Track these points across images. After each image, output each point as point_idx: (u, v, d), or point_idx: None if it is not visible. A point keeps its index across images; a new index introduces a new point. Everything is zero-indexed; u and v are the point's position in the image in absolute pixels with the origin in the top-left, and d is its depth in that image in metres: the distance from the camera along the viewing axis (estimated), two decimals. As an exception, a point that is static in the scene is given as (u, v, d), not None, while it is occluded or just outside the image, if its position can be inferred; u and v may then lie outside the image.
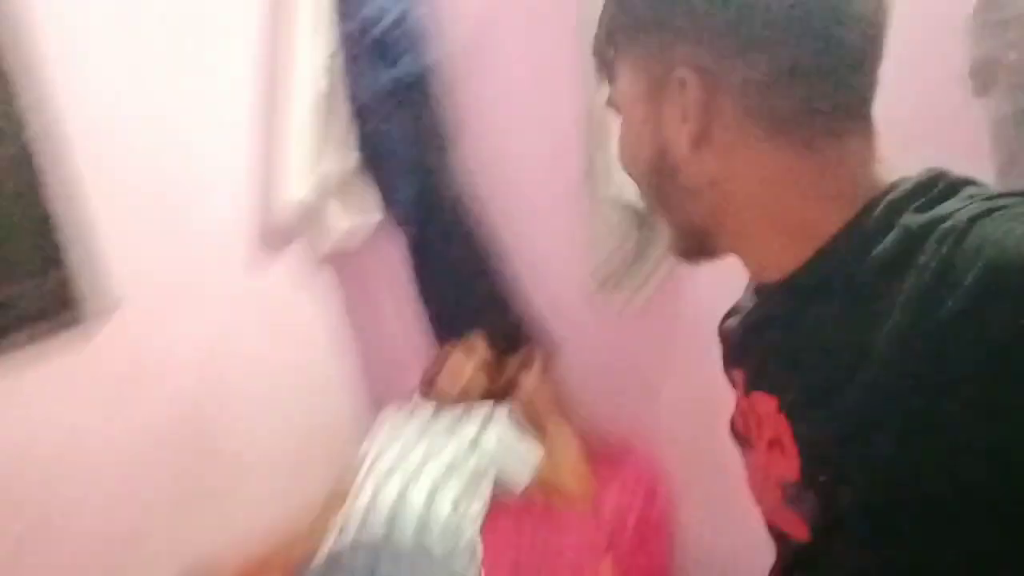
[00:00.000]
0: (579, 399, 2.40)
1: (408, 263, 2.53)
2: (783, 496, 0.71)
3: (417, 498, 1.98)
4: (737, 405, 0.83)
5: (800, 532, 0.71)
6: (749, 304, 0.80)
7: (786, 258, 0.68)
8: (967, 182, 0.63)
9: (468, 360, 2.37)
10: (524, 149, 2.28)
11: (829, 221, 0.66)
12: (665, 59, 0.68)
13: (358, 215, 2.55)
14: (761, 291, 0.77)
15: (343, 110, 2.40)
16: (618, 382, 2.34)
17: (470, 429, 2.20)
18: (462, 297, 2.49)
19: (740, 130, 0.66)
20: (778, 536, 0.77)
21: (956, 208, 0.58)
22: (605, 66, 0.77)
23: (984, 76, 1.48)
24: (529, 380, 2.27)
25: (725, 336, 0.87)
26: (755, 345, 0.78)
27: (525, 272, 2.44)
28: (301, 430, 2.58)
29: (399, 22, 2.24)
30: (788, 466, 0.69)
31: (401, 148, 2.38)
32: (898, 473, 0.58)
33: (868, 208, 0.64)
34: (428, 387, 2.46)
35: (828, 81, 0.65)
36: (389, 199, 2.51)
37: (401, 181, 2.43)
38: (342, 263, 2.71)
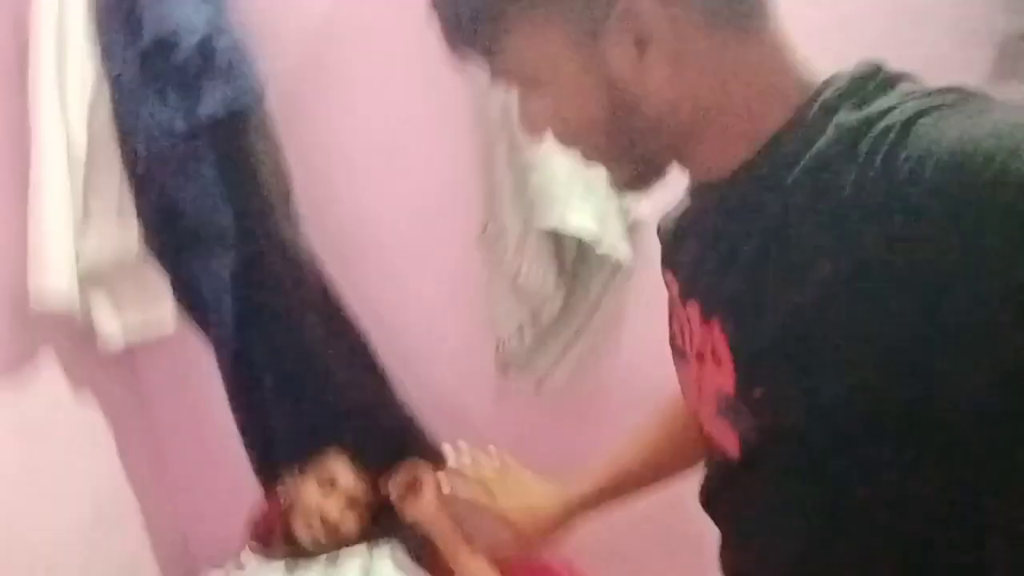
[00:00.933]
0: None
1: (222, 368, 1.87)
2: (717, 408, 0.70)
3: None
4: (673, 315, 0.82)
5: (732, 448, 0.70)
6: (686, 203, 0.82)
7: (728, 157, 0.68)
8: (902, 77, 0.63)
9: (328, 493, 1.75)
10: (391, 203, 1.77)
11: (771, 117, 0.65)
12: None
13: (138, 310, 1.86)
14: (698, 190, 0.77)
15: (114, 167, 1.73)
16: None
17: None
18: (308, 404, 1.87)
19: (698, 33, 0.64)
20: (712, 451, 0.75)
21: (891, 105, 0.58)
22: (467, 36, 0.70)
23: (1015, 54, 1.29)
24: (420, 505, 1.68)
25: (662, 236, 0.88)
26: (688, 247, 0.78)
27: (401, 361, 1.89)
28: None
29: (204, 44, 1.64)
30: (724, 379, 0.67)
31: (205, 213, 1.75)
32: (839, 395, 0.57)
33: (805, 106, 0.64)
34: (266, 539, 1.81)
35: None
36: (186, 285, 1.85)
37: (205, 259, 1.80)
38: (120, 375, 2.00)
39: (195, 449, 2.10)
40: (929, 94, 0.58)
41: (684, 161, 0.73)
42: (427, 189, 1.67)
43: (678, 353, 0.82)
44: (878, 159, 0.55)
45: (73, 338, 1.82)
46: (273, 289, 1.79)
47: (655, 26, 0.63)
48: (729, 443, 0.71)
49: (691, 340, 0.75)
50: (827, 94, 0.63)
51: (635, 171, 0.75)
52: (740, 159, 0.68)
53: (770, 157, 0.65)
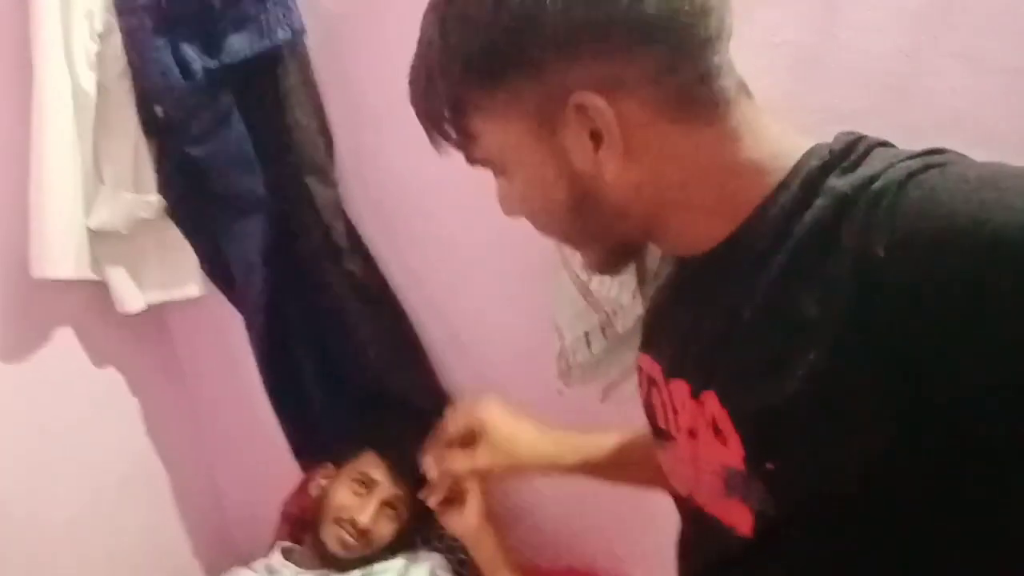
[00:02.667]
0: (544, 537, 1.66)
1: (253, 343, 1.68)
2: (725, 486, 0.68)
3: None
4: (650, 399, 0.82)
5: (744, 524, 0.67)
6: (669, 278, 0.83)
7: (709, 233, 0.68)
8: (881, 143, 0.64)
9: (364, 493, 1.56)
10: (448, 170, 1.50)
11: (752, 191, 0.66)
12: (548, 94, 0.65)
13: (160, 273, 1.67)
14: (681, 264, 0.78)
15: (129, 127, 1.51)
16: (601, 507, 1.60)
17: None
18: (344, 399, 1.67)
19: (651, 127, 0.65)
20: (715, 531, 0.71)
21: (882, 168, 0.58)
22: (442, 126, 0.72)
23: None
24: (462, 519, 1.48)
25: (646, 321, 0.90)
26: (668, 327, 0.79)
27: (450, 348, 1.68)
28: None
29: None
30: (730, 454, 0.65)
31: (232, 174, 1.53)
32: (854, 459, 0.57)
33: (790, 176, 0.64)
34: (299, 536, 1.64)
35: (703, 51, 0.64)
36: (213, 252, 1.65)
37: (232, 225, 1.58)
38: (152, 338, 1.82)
39: (232, 416, 1.94)
40: (913, 157, 0.59)
41: (658, 241, 0.75)
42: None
43: (659, 434, 0.81)
44: (877, 220, 0.55)
45: (95, 300, 1.65)
46: (308, 259, 1.58)
47: (604, 122, 0.64)
48: (740, 521, 0.68)
49: (675, 419, 0.75)
50: (811, 164, 0.64)
51: (608, 255, 0.77)
52: (721, 234, 0.68)
53: (756, 228, 0.65)
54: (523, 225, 1.40)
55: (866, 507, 0.59)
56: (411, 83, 0.73)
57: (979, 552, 0.59)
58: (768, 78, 1.18)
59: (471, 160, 0.74)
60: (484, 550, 1.44)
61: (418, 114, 0.74)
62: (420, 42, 0.71)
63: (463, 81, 0.68)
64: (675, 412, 0.75)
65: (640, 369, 0.87)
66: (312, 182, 1.51)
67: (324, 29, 1.49)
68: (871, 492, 0.58)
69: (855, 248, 0.56)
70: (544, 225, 0.75)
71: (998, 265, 0.50)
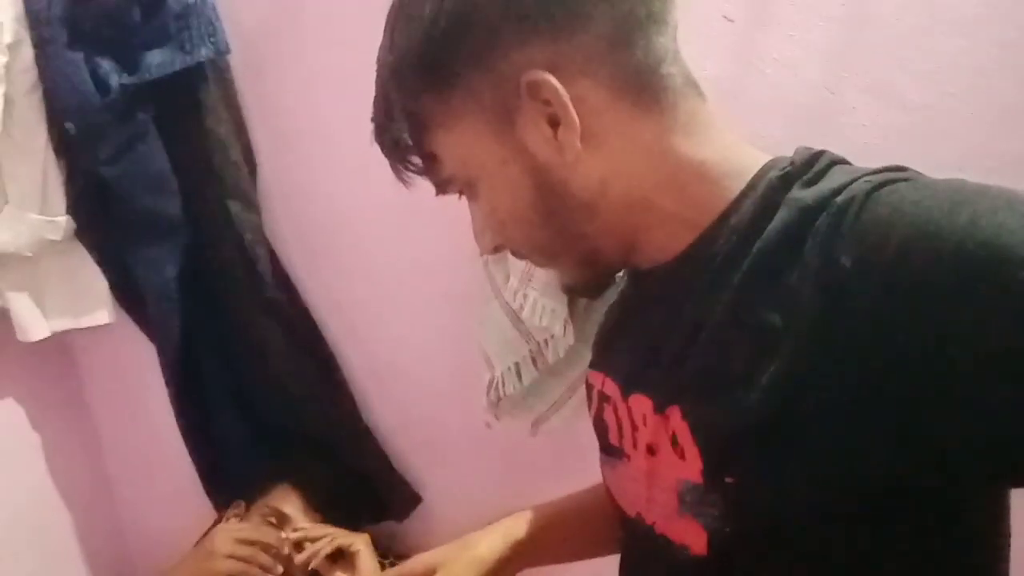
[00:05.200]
0: None
1: (165, 372, 1.59)
2: (679, 503, 0.67)
3: None
4: (602, 415, 0.80)
5: (697, 543, 0.66)
6: (627, 292, 0.83)
7: (672, 242, 0.68)
8: (841, 161, 0.65)
9: (275, 534, 1.47)
10: (375, 195, 1.45)
11: (713, 199, 0.66)
12: (500, 83, 0.65)
13: (69, 315, 1.58)
14: (635, 281, 0.79)
15: (37, 144, 1.43)
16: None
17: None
18: (259, 433, 1.60)
19: (607, 112, 0.65)
20: (665, 552, 0.69)
21: (845, 181, 0.59)
22: (406, 154, 0.72)
23: None
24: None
25: (599, 337, 0.88)
26: (626, 342, 0.78)
27: (373, 381, 1.62)
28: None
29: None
30: (688, 469, 0.65)
31: (146, 196, 1.46)
32: (815, 472, 0.56)
33: (749, 187, 0.64)
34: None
35: (646, 29, 0.64)
36: (124, 277, 1.56)
37: (146, 249, 1.51)
38: (54, 368, 1.72)
39: (139, 451, 1.84)
40: (875, 172, 0.59)
41: (628, 253, 0.73)
42: (423, 183, 1.37)
43: (610, 451, 0.80)
44: (842, 231, 0.55)
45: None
46: (225, 288, 1.52)
47: (558, 101, 0.64)
48: (693, 539, 0.66)
49: (635, 435, 0.73)
50: (772, 175, 0.64)
51: (583, 270, 0.75)
52: (682, 244, 0.68)
53: (718, 239, 0.65)
54: (450, 254, 1.39)
55: (823, 524, 0.58)
56: (373, 119, 0.73)
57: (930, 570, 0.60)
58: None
59: (440, 186, 0.73)
60: None
61: (382, 149, 0.73)
62: (377, 61, 0.71)
63: (415, 87, 0.67)
64: (634, 428, 0.73)
65: (590, 386, 0.86)
66: (234, 206, 1.45)
67: (247, 48, 1.45)
68: (829, 509, 0.57)
69: (819, 260, 0.56)
70: (516, 238, 0.73)
71: (970, 274, 0.49)
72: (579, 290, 0.79)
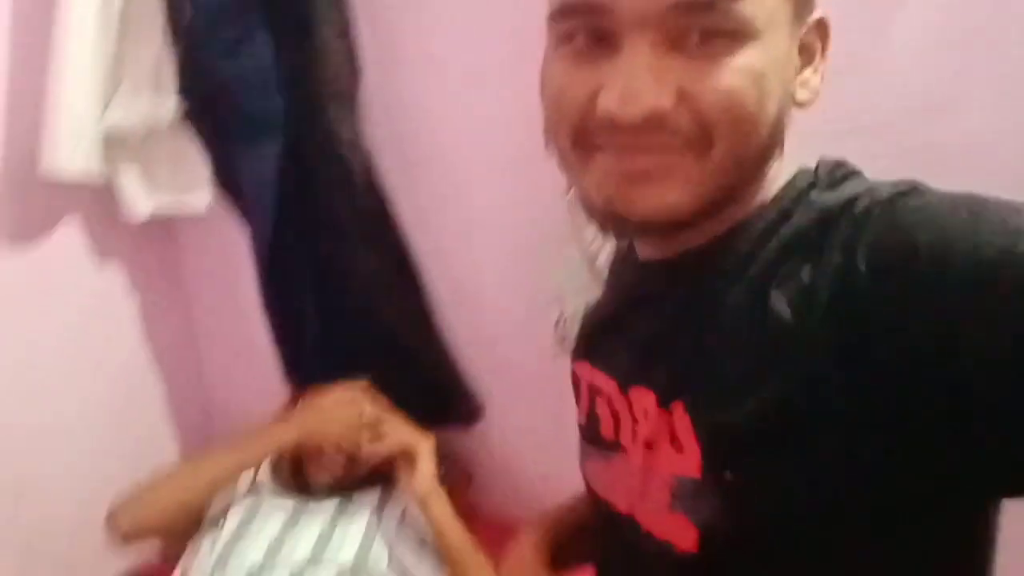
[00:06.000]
0: (521, 491, 1.67)
1: (257, 263, 1.67)
2: (671, 498, 0.65)
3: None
4: (593, 409, 0.78)
5: (687, 540, 0.64)
6: (626, 284, 0.80)
7: (693, 234, 0.65)
8: (859, 172, 0.64)
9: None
10: (474, 123, 1.47)
11: (745, 199, 0.64)
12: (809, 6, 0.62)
13: (169, 185, 1.66)
14: (644, 270, 0.74)
15: (154, 30, 1.48)
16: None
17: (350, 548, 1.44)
18: (339, 330, 1.67)
19: None
20: (649, 550, 0.68)
21: (863, 189, 0.59)
22: None
23: None
24: (414, 483, 1.47)
25: (589, 329, 0.85)
26: (631, 333, 0.74)
27: (451, 299, 1.66)
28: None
29: None
30: (686, 464, 0.63)
31: (253, 95, 1.50)
32: (817, 473, 0.56)
33: (782, 192, 0.64)
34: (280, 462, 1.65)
35: None
36: (226, 169, 1.62)
37: (248, 145, 1.55)
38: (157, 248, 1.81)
39: (228, 331, 1.95)
40: (895, 183, 0.58)
41: (715, 213, 0.64)
42: (521, 118, 1.36)
43: (602, 445, 0.77)
44: (862, 235, 0.55)
45: (103, 203, 1.64)
46: (320, 192, 1.56)
47: (823, 52, 0.66)
48: (680, 537, 0.65)
49: (634, 429, 0.71)
50: (799, 182, 0.64)
51: (694, 199, 0.64)
52: (702, 238, 0.65)
53: (738, 236, 0.64)
54: (538, 191, 1.39)
55: (819, 527, 0.58)
56: None
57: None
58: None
59: (726, 6, 0.57)
60: (434, 510, 1.45)
61: None
62: None
63: None
64: (634, 422, 0.71)
65: (577, 378, 0.84)
66: (334, 112, 1.48)
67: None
68: (827, 511, 0.57)
69: (838, 261, 0.55)
70: (738, 119, 0.59)
71: (987, 279, 0.48)
72: (662, 224, 0.63)
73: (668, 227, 0.62)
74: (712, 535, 0.63)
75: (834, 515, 0.57)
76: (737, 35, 0.57)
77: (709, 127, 0.57)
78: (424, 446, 1.50)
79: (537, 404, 1.61)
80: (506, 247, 1.55)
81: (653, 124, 0.57)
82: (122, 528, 1.41)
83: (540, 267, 1.47)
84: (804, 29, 0.62)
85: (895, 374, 0.52)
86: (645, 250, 0.73)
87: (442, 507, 1.45)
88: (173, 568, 1.51)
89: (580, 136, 0.61)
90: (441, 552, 1.45)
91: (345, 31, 1.47)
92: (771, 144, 0.62)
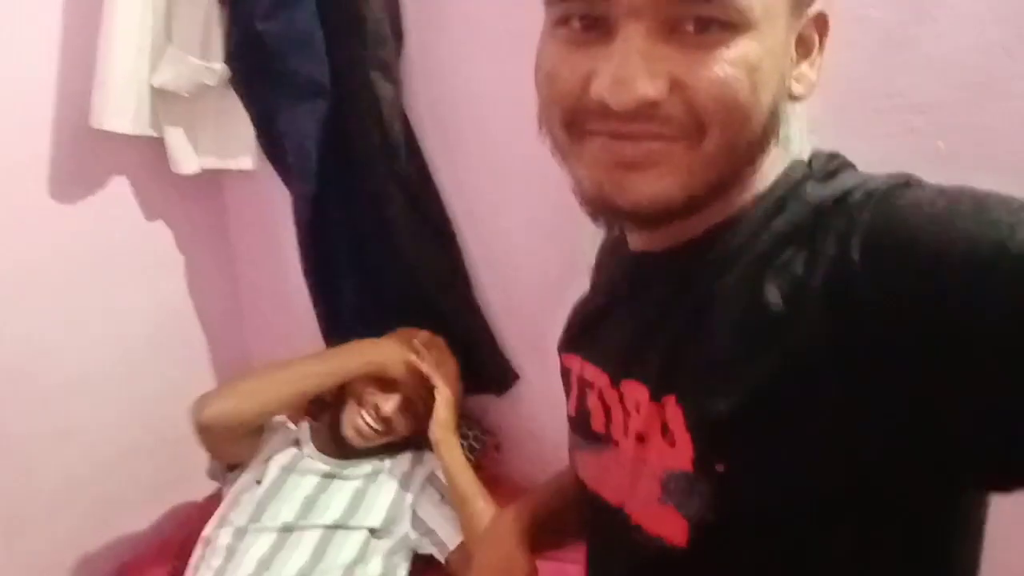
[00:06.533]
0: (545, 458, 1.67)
1: (297, 222, 1.70)
2: (662, 491, 0.65)
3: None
4: (584, 402, 0.77)
5: (677, 533, 0.64)
6: (616, 276, 0.79)
7: (689, 226, 0.64)
8: (852, 165, 0.64)
9: (386, 387, 1.58)
10: (515, 91, 1.44)
11: (750, 190, 0.64)
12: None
13: (217, 155, 1.70)
14: (636, 262, 0.73)
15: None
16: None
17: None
18: (376, 293, 1.70)
19: None
20: (638, 543, 0.68)
21: (858, 183, 0.58)
22: None
23: None
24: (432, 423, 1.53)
25: (578, 321, 0.84)
26: (623, 325, 0.73)
27: (486, 264, 1.68)
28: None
29: None
30: (678, 456, 0.63)
31: (297, 57, 1.52)
32: (807, 462, 0.56)
33: (775, 185, 0.64)
34: (316, 411, 1.68)
35: None
36: (269, 128, 1.65)
37: (292, 106, 1.57)
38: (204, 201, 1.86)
39: (270, 287, 1.99)
40: (889, 176, 0.58)
41: (701, 208, 0.63)
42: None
43: (592, 438, 0.76)
44: (857, 226, 0.54)
45: (152, 157, 1.68)
46: (361, 153, 1.58)
47: (821, 46, 0.65)
48: (670, 530, 0.65)
49: (626, 422, 0.70)
50: (791, 177, 0.64)
51: (685, 191, 0.63)
52: (695, 231, 0.65)
53: (731, 229, 0.63)
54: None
55: (808, 519, 0.58)
56: None
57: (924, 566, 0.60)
58: (848, 53, 1.12)
59: (719, 0, 0.56)
60: (445, 457, 1.50)
61: None
62: None
63: None
64: (626, 415, 0.71)
65: (567, 370, 0.83)
66: (376, 77, 1.49)
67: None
68: (817, 502, 0.57)
69: (830, 253, 0.55)
70: (731, 110, 0.58)
71: (983, 264, 0.48)
72: (653, 212, 0.61)
73: (659, 216, 0.61)
74: (702, 528, 0.63)
75: (824, 505, 0.57)
76: (733, 25, 0.56)
77: (702, 117, 0.57)
78: (443, 394, 1.54)
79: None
80: (542, 216, 1.55)
81: (645, 112, 0.56)
82: (204, 413, 1.45)
83: (575, 236, 1.47)
84: (803, 22, 0.62)
85: (887, 362, 0.51)
86: (637, 241, 0.72)
87: (454, 454, 1.50)
88: (161, 563, 1.60)
89: (572, 121, 0.61)
90: (451, 498, 1.49)
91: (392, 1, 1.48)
92: (764, 136, 0.61)
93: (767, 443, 0.58)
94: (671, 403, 0.64)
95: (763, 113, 0.58)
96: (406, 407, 1.57)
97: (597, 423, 0.75)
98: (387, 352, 1.58)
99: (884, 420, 0.52)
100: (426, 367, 1.55)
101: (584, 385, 0.78)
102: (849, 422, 0.54)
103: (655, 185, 0.59)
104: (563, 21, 0.60)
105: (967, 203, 0.51)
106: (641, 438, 0.68)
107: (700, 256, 0.64)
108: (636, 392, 0.68)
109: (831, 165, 0.63)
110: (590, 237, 1.38)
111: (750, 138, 0.59)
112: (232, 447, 1.54)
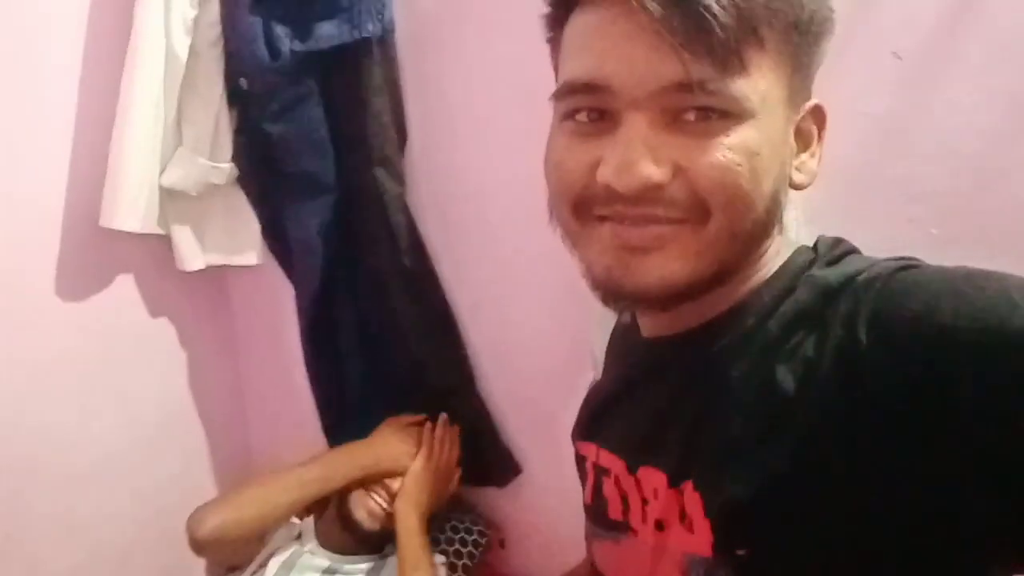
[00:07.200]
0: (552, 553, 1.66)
1: (300, 315, 1.72)
2: (683, 575, 0.65)
3: None
4: (600, 490, 0.77)
5: None
6: (628, 362, 0.81)
7: (698, 312, 0.67)
8: (857, 250, 0.67)
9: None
10: (515, 185, 1.49)
11: (746, 280, 0.66)
12: (808, 77, 0.64)
13: (222, 236, 1.72)
14: (648, 347, 0.74)
15: (214, 95, 1.55)
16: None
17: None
18: (380, 387, 1.71)
19: None
20: None
21: (864, 266, 0.61)
22: (724, 36, 0.57)
23: None
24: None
25: (593, 408, 0.85)
26: (638, 412, 0.74)
27: (487, 368, 1.69)
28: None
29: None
30: (696, 542, 0.63)
31: (303, 157, 1.55)
32: (827, 542, 0.56)
33: (782, 270, 0.66)
34: (319, 508, 1.66)
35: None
36: (274, 224, 1.68)
37: (297, 204, 1.61)
38: (209, 294, 1.89)
39: (272, 382, 1.99)
40: (894, 259, 0.60)
41: (692, 298, 0.66)
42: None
43: (610, 526, 0.77)
44: (863, 307, 0.56)
45: (158, 255, 1.71)
46: (366, 247, 1.61)
47: (819, 138, 0.68)
48: None
49: (644, 510, 0.71)
50: (798, 261, 0.66)
51: (691, 277, 0.66)
52: (710, 313, 0.67)
53: (741, 313, 0.65)
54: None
55: None
56: None
57: None
58: (849, 144, 1.15)
59: (721, 88, 0.59)
60: (400, 523, 1.51)
61: (710, 18, 0.58)
62: None
63: (786, 18, 0.61)
64: (643, 502, 0.71)
65: (582, 458, 0.84)
66: (380, 174, 1.52)
67: (414, 26, 1.50)
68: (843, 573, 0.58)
69: (838, 335, 0.57)
70: (733, 194, 0.60)
71: (980, 343, 0.50)
72: (661, 295, 0.64)
73: (666, 299, 0.63)
74: None
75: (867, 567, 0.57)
76: (731, 114, 0.59)
77: (705, 200, 0.59)
78: (414, 469, 1.57)
79: (573, 464, 1.61)
80: (544, 306, 1.57)
81: (650, 195, 0.60)
82: (201, 531, 1.43)
83: (580, 326, 1.49)
84: (800, 114, 0.65)
85: (897, 441, 0.53)
86: (649, 326, 0.75)
87: (407, 524, 1.50)
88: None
89: (581, 207, 0.64)
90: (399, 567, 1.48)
91: (396, 99, 1.53)
92: (768, 220, 0.63)
93: (787, 527, 0.58)
94: (689, 489, 0.65)
95: (765, 198, 0.61)
96: None
97: (614, 511, 0.76)
98: (382, 454, 1.60)
99: (896, 496, 0.53)
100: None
101: (600, 473, 0.79)
102: (863, 500, 0.55)
103: (662, 268, 0.62)
104: (570, 115, 0.64)
105: (968, 283, 0.53)
106: (660, 525, 0.68)
107: (713, 341, 0.66)
108: (654, 479, 0.69)
109: (836, 250, 0.66)
110: (597, 327, 1.40)
111: (753, 221, 0.61)
112: (232, 557, 1.53)
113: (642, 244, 0.62)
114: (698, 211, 0.60)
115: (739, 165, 0.59)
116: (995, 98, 1.09)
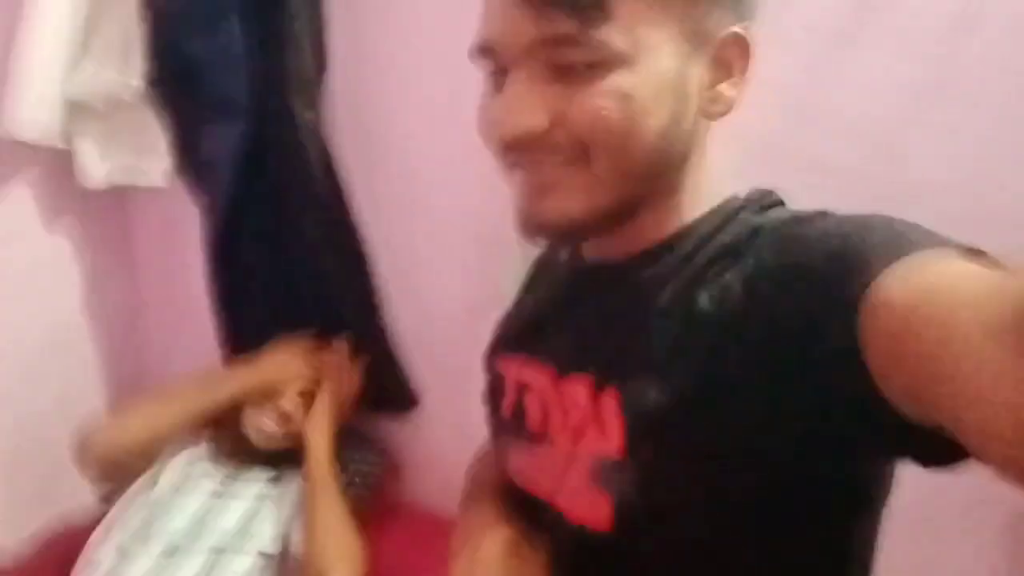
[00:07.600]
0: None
1: (206, 236, 1.70)
2: (590, 479, 0.70)
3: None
4: (523, 403, 0.81)
5: (601, 518, 0.69)
6: (561, 283, 0.85)
7: (635, 240, 0.72)
8: (783, 201, 0.74)
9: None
10: (437, 120, 1.52)
11: (684, 212, 0.72)
12: (714, 10, 0.66)
13: (127, 155, 1.67)
14: (589, 271, 0.79)
15: (126, 5, 1.51)
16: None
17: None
18: (286, 303, 1.72)
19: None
20: (558, 530, 0.73)
21: (787, 215, 0.69)
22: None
23: None
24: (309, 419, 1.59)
25: (525, 323, 0.89)
26: (570, 326, 0.79)
27: (396, 299, 1.72)
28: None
29: None
30: (607, 445, 0.69)
31: (219, 76, 1.52)
32: (728, 447, 0.62)
33: (720, 207, 0.72)
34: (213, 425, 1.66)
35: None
36: (185, 144, 1.65)
37: (210, 124, 1.58)
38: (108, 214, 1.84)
39: (169, 300, 1.96)
40: (814, 209, 0.66)
41: (623, 223, 0.71)
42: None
43: (527, 437, 0.80)
44: (772, 243, 0.64)
45: (59, 169, 1.65)
46: (276, 172, 1.60)
47: (743, 66, 0.70)
48: (595, 517, 0.70)
49: (563, 420, 0.75)
50: (732, 204, 0.72)
51: (591, 213, 0.70)
52: (646, 242, 0.72)
53: (684, 242, 0.71)
54: (493, 197, 1.44)
55: (728, 504, 0.64)
56: None
57: (841, 551, 0.68)
58: (757, 115, 1.21)
59: (585, 39, 0.62)
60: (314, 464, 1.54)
61: None
62: None
63: None
64: (564, 412, 0.75)
65: (500, 377, 0.88)
66: (296, 103, 1.51)
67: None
68: (736, 487, 0.63)
69: (750, 265, 0.64)
70: (607, 135, 0.65)
71: (835, 269, 0.56)
72: (566, 229, 0.70)
73: (570, 233, 0.71)
74: (626, 513, 0.68)
75: (742, 492, 0.63)
76: (606, 63, 0.63)
77: (584, 144, 0.65)
78: (322, 397, 1.61)
79: (472, 399, 1.65)
80: (455, 244, 1.60)
81: (535, 143, 0.65)
82: (93, 452, 1.43)
83: (486, 266, 1.52)
84: (714, 46, 0.67)
85: (782, 353, 0.59)
86: (592, 251, 0.79)
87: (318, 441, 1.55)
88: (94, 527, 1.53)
89: (500, 156, 0.70)
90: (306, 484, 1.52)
91: (317, 26, 1.51)
92: (667, 153, 0.68)
93: (693, 431, 0.64)
94: (610, 393, 0.70)
95: (650, 134, 0.65)
96: (305, 399, 1.61)
97: (533, 422, 0.80)
98: (271, 373, 1.62)
99: (790, 407, 0.59)
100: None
101: (522, 388, 0.83)
102: (762, 410, 0.60)
103: (560, 206, 0.68)
104: (487, 72, 0.70)
105: (850, 223, 0.60)
106: (577, 432, 0.73)
107: (647, 267, 0.72)
108: (580, 385, 0.73)
109: (766, 200, 0.72)
110: (508, 271, 1.44)
111: (642, 158, 0.66)
112: (119, 474, 1.52)
113: (542, 185, 0.68)
114: (580, 153, 0.65)
115: (607, 109, 0.63)
116: (902, 87, 1.17)
